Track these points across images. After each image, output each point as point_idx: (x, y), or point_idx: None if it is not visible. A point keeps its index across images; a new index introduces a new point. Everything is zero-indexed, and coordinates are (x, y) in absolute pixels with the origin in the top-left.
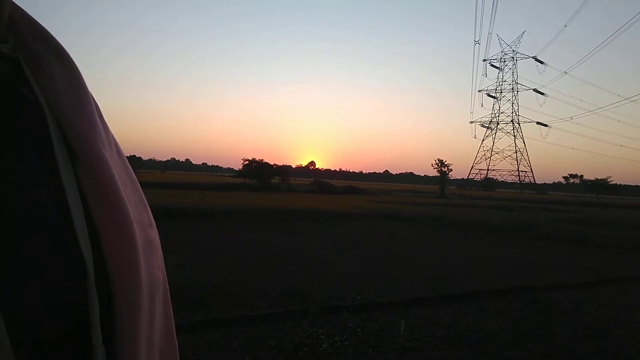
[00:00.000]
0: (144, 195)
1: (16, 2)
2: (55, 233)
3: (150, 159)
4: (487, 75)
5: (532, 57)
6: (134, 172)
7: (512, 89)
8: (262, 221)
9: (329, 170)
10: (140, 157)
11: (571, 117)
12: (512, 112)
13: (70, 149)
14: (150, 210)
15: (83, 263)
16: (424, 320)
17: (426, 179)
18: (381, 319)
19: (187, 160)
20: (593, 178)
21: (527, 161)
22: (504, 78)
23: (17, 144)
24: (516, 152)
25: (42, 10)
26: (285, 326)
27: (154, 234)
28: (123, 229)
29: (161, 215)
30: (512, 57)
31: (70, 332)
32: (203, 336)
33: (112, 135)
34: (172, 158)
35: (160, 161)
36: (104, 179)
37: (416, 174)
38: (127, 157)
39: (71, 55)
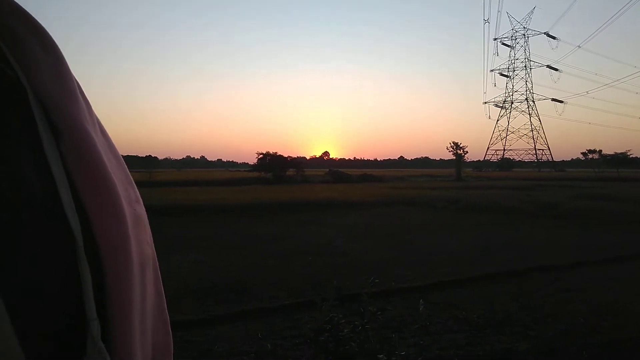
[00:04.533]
0: (129, 172)
1: None
2: (43, 208)
3: (166, 158)
4: (499, 54)
5: (544, 33)
6: (150, 172)
7: (525, 66)
8: (278, 214)
9: (344, 159)
10: (156, 157)
11: (587, 92)
12: (526, 90)
13: (52, 125)
14: (136, 187)
15: (72, 236)
16: (445, 303)
17: (442, 162)
18: (401, 304)
19: (203, 157)
20: (612, 152)
21: (544, 139)
22: (516, 56)
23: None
24: (532, 131)
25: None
26: (305, 315)
27: (142, 210)
28: (110, 202)
29: (179, 212)
30: (524, 34)
31: (64, 306)
32: (225, 329)
33: (95, 114)
34: (187, 156)
35: (176, 160)
36: (88, 154)
37: (431, 158)
38: (143, 157)
39: (63, 47)
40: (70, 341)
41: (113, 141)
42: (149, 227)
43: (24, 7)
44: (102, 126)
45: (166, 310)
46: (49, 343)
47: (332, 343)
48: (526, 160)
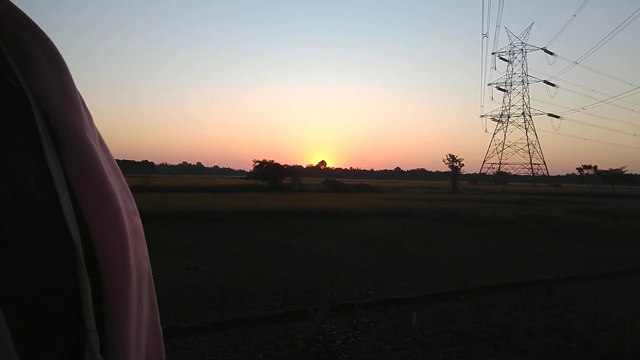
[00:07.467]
0: (127, 185)
1: None
2: (44, 217)
3: (162, 164)
4: (497, 68)
5: (542, 49)
6: (147, 177)
7: (522, 81)
8: (274, 222)
9: (340, 169)
10: (152, 162)
11: (583, 108)
12: (523, 105)
13: (54, 135)
14: (133, 200)
15: (73, 247)
16: (439, 315)
17: (438, 175)
18: (395, 315)
19: (199, 163)
20: (607, 168)
21: (540, 153)
22: (514, 70)
23: (3, 131)
24: (528, 145)
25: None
26: (299, 325)
27: (139, 223)
28: (111, 213)
29: (174, 218)
30: (521, 49)
31: (63, 316)
32: (218, 337)
33: (95, 126)
34: (183, 162)
35: (172, 165)
36: (90, 166)
37: (428, 170)
38: (139, 162)
39: (69, 54)
40: (68, 352)
41: (111, 152)
42: (144, 239)
43: (31, 17)
44: (102, 139)
45: (159, 324)
46: (48, 354)
47: (324, 354)
48: (522, 175)
